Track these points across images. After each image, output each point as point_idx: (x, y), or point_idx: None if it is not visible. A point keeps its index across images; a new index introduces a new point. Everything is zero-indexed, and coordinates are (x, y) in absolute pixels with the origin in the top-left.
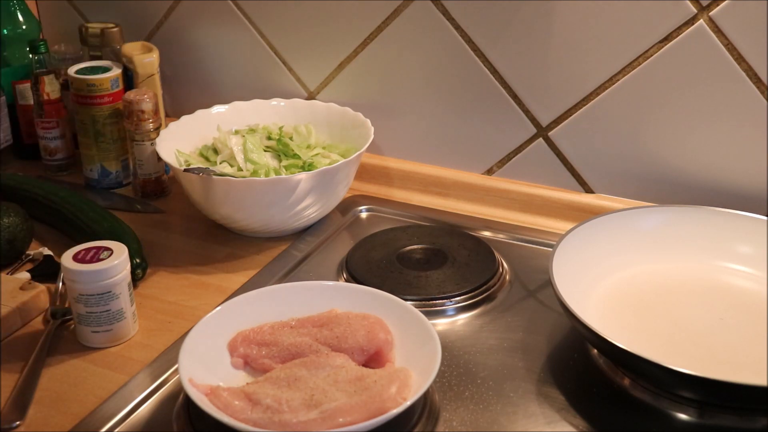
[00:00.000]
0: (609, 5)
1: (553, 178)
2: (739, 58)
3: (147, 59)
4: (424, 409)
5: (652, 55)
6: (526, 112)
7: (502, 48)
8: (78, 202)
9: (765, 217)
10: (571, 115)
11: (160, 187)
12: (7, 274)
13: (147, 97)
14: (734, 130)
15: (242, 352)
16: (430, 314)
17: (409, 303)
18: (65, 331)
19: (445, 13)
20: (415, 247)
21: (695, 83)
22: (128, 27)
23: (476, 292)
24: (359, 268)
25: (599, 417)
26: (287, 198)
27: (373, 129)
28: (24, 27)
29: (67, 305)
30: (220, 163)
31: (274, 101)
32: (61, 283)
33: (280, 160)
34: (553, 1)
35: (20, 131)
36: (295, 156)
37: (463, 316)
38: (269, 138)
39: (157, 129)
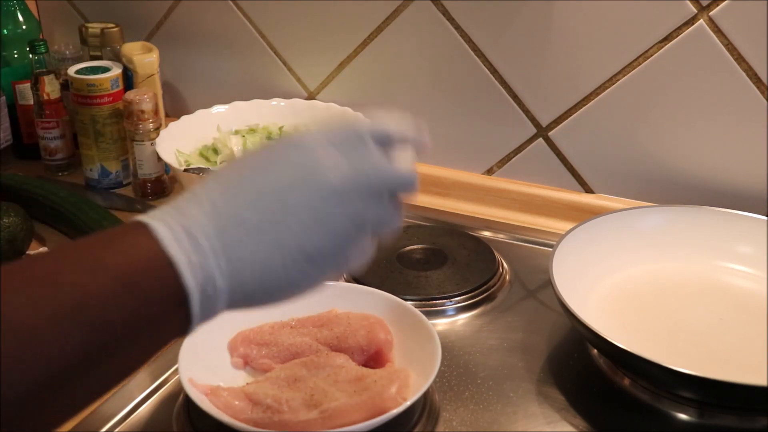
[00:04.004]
0: (609, 5)
1: (553, 178)
2: (739, 58)
3: (147, 59)
4: (424, 409)
5: (652, 55)
6: (526, 112)
7: (502, 48)
8: (78, 202)
9: (765, 217)
10: (571, 115)
11: (160, 187)
12: None
13: (147, 97)
14: (734, 130)
15: (242, 352)
16: (430, 314)
17: (409, 303)
18: None
19: (445, 13)
20: (415, 247)
21: (695, 83)
22: (128, 27)
23: (476, 292)
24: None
25: (599, 417)
26: None
27: None
28: (24, 27)
29: None
30: (220, 163)
31: (274, 101)
32: None
33: None
34: (553, 1)
35: (20, 131)
36: None
37: (463, 316)
38: (269, 138)
39: (157, 129)
